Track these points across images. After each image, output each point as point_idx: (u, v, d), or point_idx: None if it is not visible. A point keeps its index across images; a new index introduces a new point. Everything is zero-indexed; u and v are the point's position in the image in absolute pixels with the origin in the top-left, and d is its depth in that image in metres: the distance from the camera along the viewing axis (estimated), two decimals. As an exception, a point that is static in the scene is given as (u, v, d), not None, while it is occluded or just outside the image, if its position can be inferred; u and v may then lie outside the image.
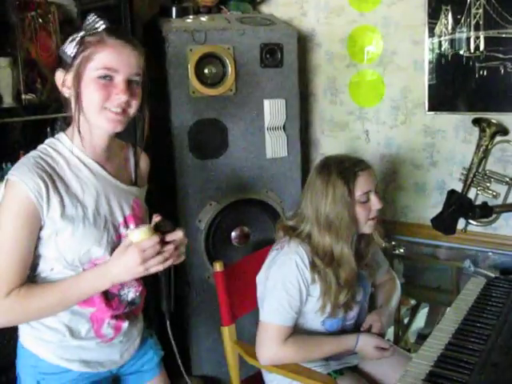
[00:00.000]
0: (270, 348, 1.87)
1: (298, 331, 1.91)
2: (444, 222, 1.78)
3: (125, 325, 1.53)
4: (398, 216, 2.92)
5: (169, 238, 1.38)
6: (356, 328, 2.03)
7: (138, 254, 1.32)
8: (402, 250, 2.92)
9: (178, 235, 1.39)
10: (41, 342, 1.46)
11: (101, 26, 1.37)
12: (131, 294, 1.53)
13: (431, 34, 2.63)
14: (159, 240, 1.34)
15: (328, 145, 3.09)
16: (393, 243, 2.90)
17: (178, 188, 2.52)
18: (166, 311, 1.48)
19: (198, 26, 2.50)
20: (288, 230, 1.97)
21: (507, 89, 2.47)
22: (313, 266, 1.86)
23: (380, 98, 2.88)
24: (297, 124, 2.80)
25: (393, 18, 2.77)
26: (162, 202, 2.33)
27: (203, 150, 2.56)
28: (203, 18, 2.63)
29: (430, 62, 2.66)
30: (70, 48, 1.37)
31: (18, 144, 2.28)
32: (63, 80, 1.39)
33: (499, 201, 2.53)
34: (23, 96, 2.28)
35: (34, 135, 2.34)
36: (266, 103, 2.66)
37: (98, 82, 1.35)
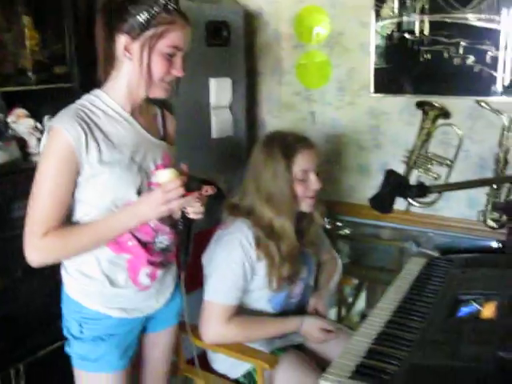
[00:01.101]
0: (213, 327, 1.87)
1: (244, 311, 1.92)
2: (381, 201, 1.80)
3: (160, 272, 1.64)
4: (342, 196, 2.95)
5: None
6: (300, 307, 2.04)
7: (162, 194, 1.43)
8: (346, 231, 2.96)
9: (202, 190, 1.49)
10: (83, 291, 1.57)
11: (172, 5, 1.48)
12: (165, 241, 1.63)
13: (378, 16, 2.65)
14: (182, 183, 1.43)
15: (274, 125, 3.08)
16: (338, 224, 2.93)
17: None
18: (183, 263, 1.58)
19: (142, 1, 2.43)
20: (232, 208, 1.96)
21: (450, 73, 2.51)
22: (257, 243, 1.86)
23: (326, 80, 2.88)
24: (243, 104, 2.78)
25: (340, -1, 2.77)
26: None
27: (147, 129, 2.51)
28: (147, -7, 2.56)
29: (377, 45, 2.68)
30: (142, 17, 1.45)
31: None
32: (127, 44, 1.47)
33: (440, 182, 2.59)
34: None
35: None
36: (212, 82, 2.63)
37: (165, 57, 1.49)
